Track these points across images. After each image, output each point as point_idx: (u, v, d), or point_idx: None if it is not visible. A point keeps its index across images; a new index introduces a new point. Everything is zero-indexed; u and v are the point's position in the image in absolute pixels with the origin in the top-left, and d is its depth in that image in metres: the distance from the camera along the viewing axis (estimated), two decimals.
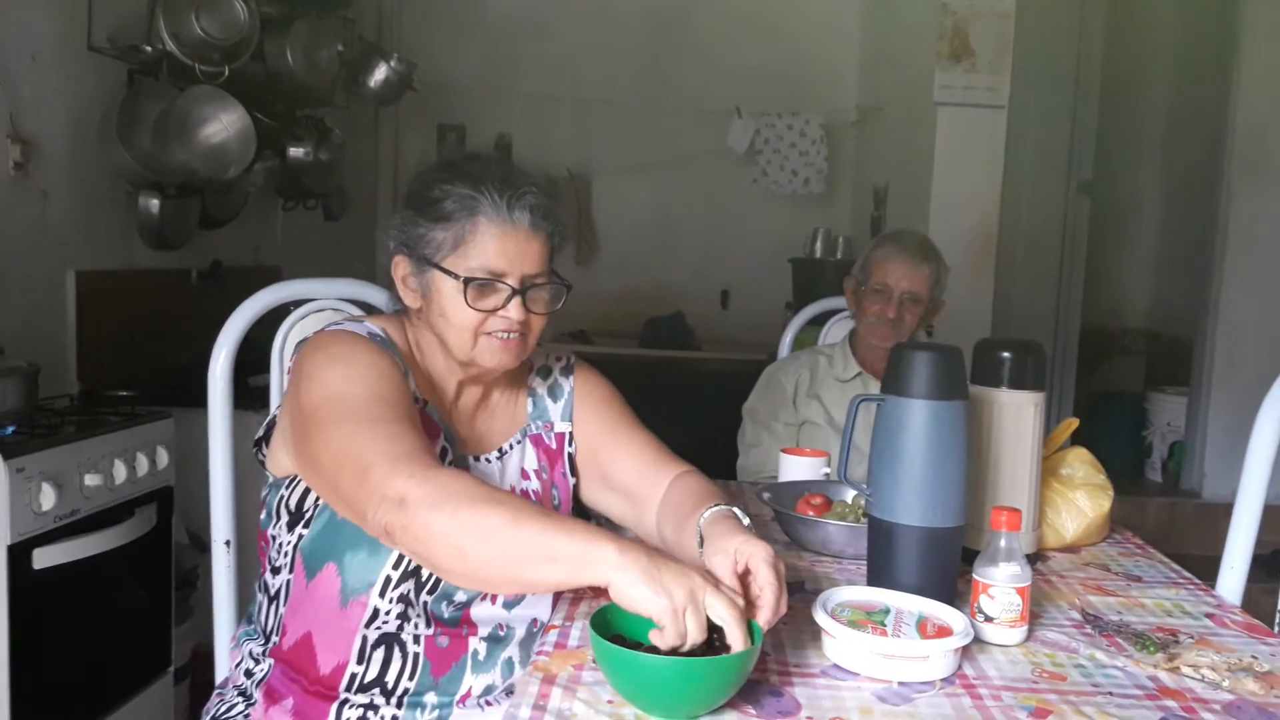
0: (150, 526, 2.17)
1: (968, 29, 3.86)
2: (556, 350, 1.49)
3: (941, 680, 1.12)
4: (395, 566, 1.26)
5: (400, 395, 1.22)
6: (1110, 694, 1.11)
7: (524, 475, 1.39)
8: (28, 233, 2.63)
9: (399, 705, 1.27)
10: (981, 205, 3.98)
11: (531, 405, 1.43)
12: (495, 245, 1.25)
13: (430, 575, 1.27)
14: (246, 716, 1.30)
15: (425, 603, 1.28)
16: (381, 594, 1.26)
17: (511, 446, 1.40)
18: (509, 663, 1.32)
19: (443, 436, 1.31)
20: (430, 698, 1.28)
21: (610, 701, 1.04)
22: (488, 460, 1.38)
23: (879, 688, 1.10)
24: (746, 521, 1.21)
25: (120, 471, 2.09)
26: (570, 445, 1.43)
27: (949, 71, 3.89)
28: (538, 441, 1.42)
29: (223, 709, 1.33)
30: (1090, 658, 1.21)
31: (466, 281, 1.25)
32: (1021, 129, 4.21)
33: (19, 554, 1.83)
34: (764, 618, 1.07)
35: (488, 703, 1.31)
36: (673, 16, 5.20)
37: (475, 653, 1.29)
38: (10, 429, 1.95)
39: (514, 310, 1.26)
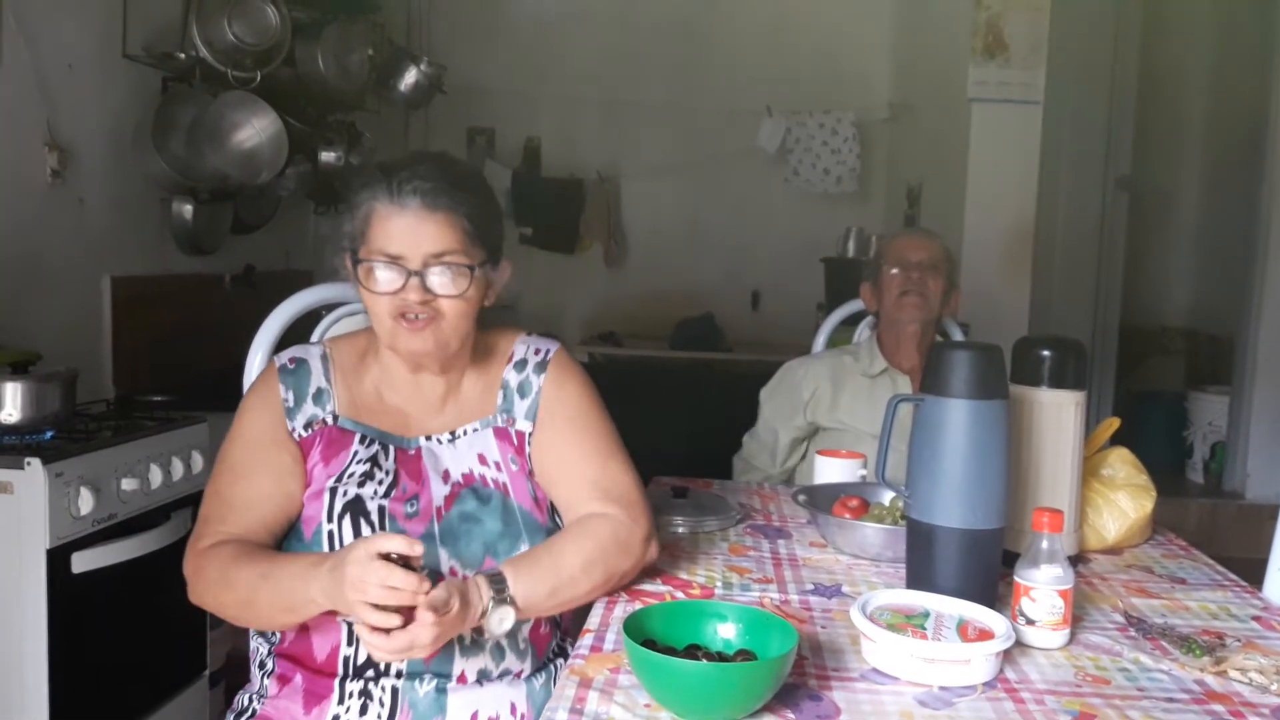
0: (185, 530, 2.18)
1: (1002, 24, 3.81)
2: (539, 343, 1.47)
3: (983, 684, 1.10)
4: None
5: (249, 456, 1.35)
6: (1156, 698, 1.08)
7: (482, 461, 1.38)
8: (65, 239, 2.66)
9: (397, 677, 1.29)
10: (1017, 202, 3.93)
11: (501, 397, 1.42)
12: (386, 228, 1.28)
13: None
14: (262, 700, 1.35)
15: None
16: None
17: (467, 432, 1.40)
18: (498, 648, 1.32)
19: (357, 439, 1.36)
20: (426, 676, 1.30)
21: (647, 705, 1.03)
22: (439, 441, 1.39)
23: (919, 692, 1.08)
24: (498, 592, 1.21)
25: (156, 476, 2.11)
26: (529, 445, 1.41)
27: (983, 67, 3.85)
28: (502, 434, 1.40)
29: (245, 700, 1.39)
30: (1135, 661, 1.19)
31: (356, 263, 1.31)
32: (1057, 124, 4.16)
33: (58, 558, 1.85)
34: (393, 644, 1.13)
35: (482, 683, 1.32)
36: (701, 16, 5.19)
37: (461, 637, 1.28)
38: (49, 434, 1.97)
39: (412, 292, 1.27)
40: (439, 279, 1.28)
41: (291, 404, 1.37)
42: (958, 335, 2.44)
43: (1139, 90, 4.75)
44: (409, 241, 1.27)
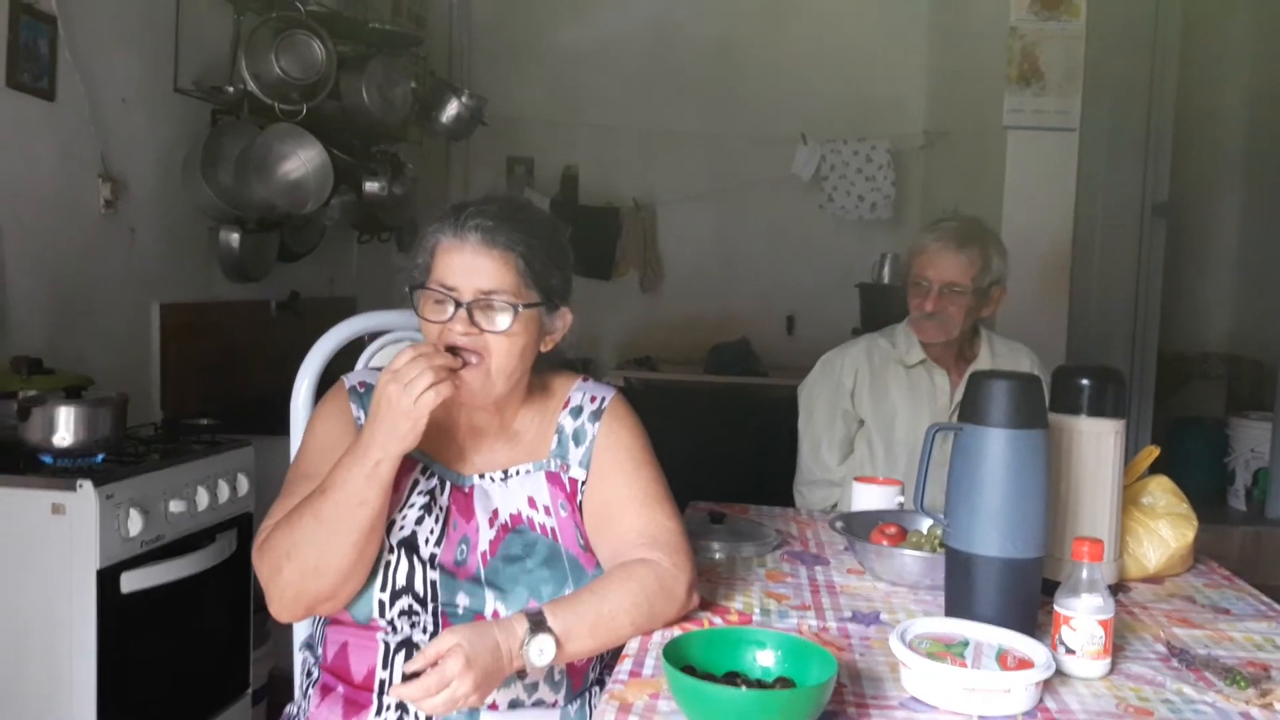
0: (231, 551, 2.23)
1: (1037, 51, 3.81)
2: (596, 390, 1.48)
3: (1023, 714, 1.10)
4: (383, 589, 1.32)
5: (321, 462, 1.34)
6: None
7: (531, 504, 1.39)
8: (116, 267, 2.73)
9: None
10: (1054, 230, 3.91)
11: (556, 442, 1.44)
12: (446, 260, 1.32)
13: (428, 585, 1.32)
14: (303, 710, 1.39)
15: (435, 609, 1.32)
16: (383, 615, 1.32)
17: (520, 473, 1.42)
18: (532, 680, 1.33)
19: (419, 469, 1.39)
20: None
21: None
22: (491, 479, 1.41)
23: None
24: (536, 625, 1.21)
25: (203, 498, 2.15)
26: (581, 493, 1.42)
27: (1018, 94, 3.85)
28: (554, 479, 1.42)
29: (292, 711, 1.43)
30: (1178, 692, 1.18)
31: (412, 289, 1.35)
32: (1094, 151, 4.14)
33: (108, 578, 1.89)
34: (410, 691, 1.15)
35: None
36: (736, 45, 5.23)
37: None
38: (100, 457, 2.02)
39: (459, 323, 1.30)
40: (485, 314, 1.31)
41: (363, 421, 1.38)
42: (983, 338, 2.31)
43: (1176, 117, 4.72)
44: (463, 275, 1.31)
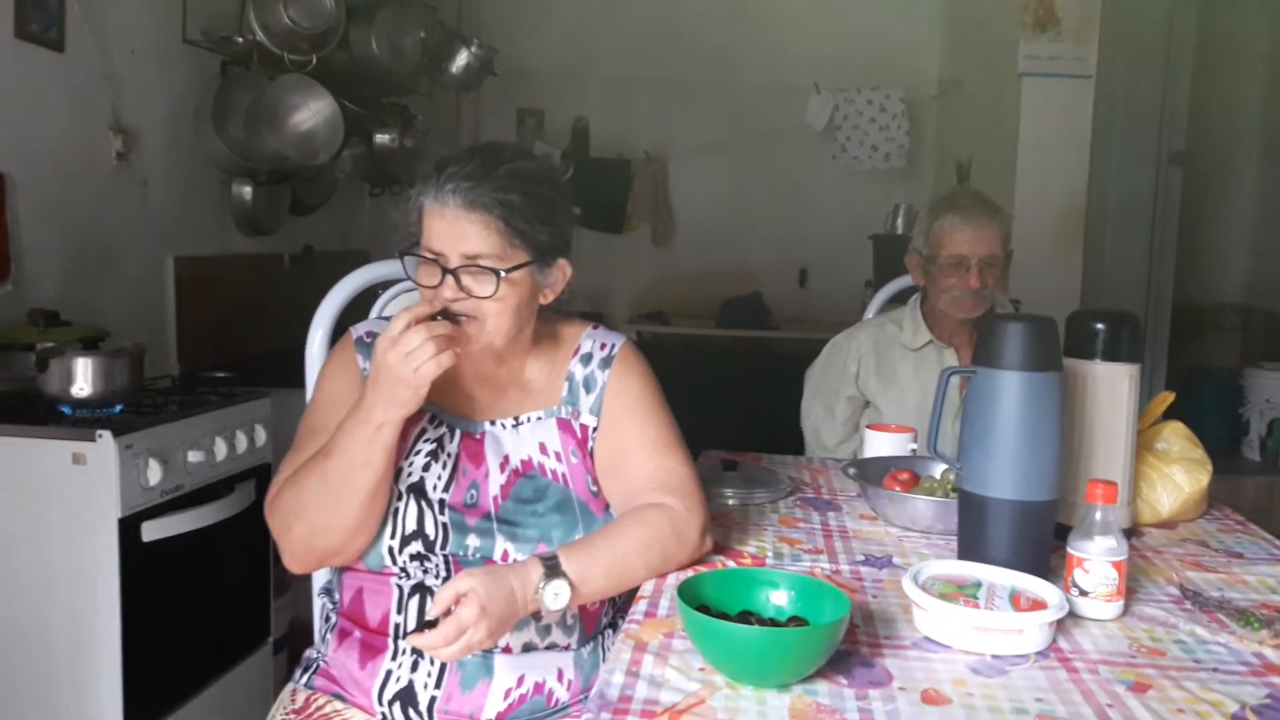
0: (250, 502, 2.25)
1: None
2: (606, 337, 1.48)
3: (1036, 654, 1.11)
4: (392, 536, 1.33)
5: (330, 416, 1.35)
6: (1214, 669, 1.09)
7: (542, 450, 1.40)
8: (130, 220, 2.74)
9: None
10: (1069, 178, 3.88)
11: (566, 389, 1.44)
12: (431, 225, 1.31)
13: (438, 528, 1.33)
14: (323, 656, 1.42)
15: (446, 555, 1.33)
16: (394, 561, 1.34)
17: (530, 419, 1.42)
18: (544, 623, 1.34)
19: (427, 418, 1.39)
20: None
21: (702, 669, 1.06)
22: (502, 426, 1.42)
23: (972, 660, 1.10)
24: (551, 569, 1.23)
25: (221, 449, 2.17)
26: (592, 439, 1.42)
27: (1034, 41, 3.79)
28: (565, 426, 1.42)
29: (311, 655, 1.46)
30: (1190, 633, 1.19)
31: (401, 253, 1.34)
32: (1110, 98, 4.08)
33: (129, 526, 1.91)
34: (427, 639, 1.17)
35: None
36: None
37: None
38: (119, 408, 2.04)
39: (447, 289, 1.29)
40: (471, 279, 1.30)
41: (369, 373, 1.38)
42: (1004, 301, 2.33)
43: (1195, 63, 4.65)
44: (447, 240, 1.29)
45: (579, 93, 5.33)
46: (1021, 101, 3.86)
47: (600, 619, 1.41)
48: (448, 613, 1.17)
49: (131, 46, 2.71)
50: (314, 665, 1.42)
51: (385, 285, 1.76)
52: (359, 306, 1.74)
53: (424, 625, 1.18)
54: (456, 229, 1.28)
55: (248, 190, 3.19)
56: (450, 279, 1.29)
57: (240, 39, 2.98)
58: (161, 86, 2.85)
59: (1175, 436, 1.69)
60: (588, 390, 1.43)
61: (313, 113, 3.07)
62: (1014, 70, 3.85)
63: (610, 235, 5.36)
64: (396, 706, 1.31)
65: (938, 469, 1.68)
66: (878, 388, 2.26)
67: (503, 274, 1.29)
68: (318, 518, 1.29)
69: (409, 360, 1.22)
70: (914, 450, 1.84)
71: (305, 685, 1.41)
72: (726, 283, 5.14)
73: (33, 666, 1.92)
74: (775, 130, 5.19)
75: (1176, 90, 4.61)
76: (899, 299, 2.53)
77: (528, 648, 1.33)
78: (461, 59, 3.96)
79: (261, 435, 2.33)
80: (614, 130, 5.35)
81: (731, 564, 1.39)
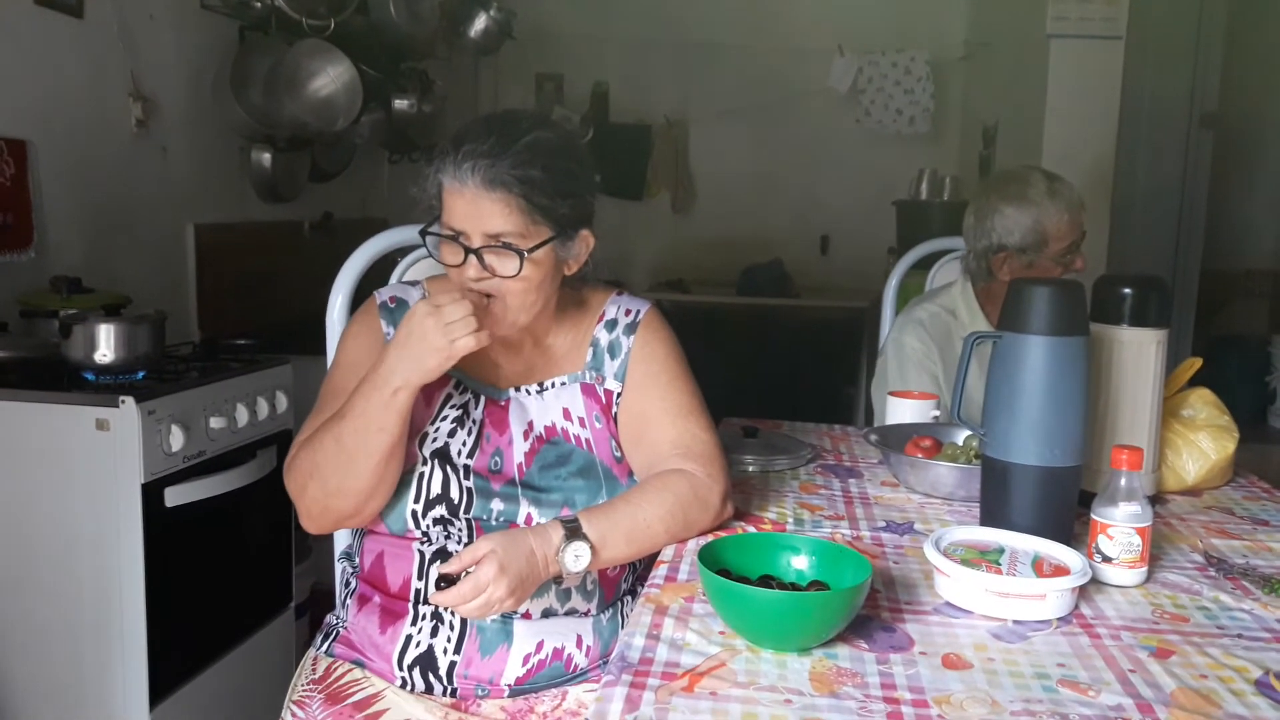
0: (271, 468, 2.26)
1: None
2: (631, 303, 1.47)
3: (1058, 620, 1.11)
4: (416, 500, 1.34)
5: (350, 379, 1.33)
6: (1238, 636, 1.08)
7: (566, 415, 1.40)
8: (150, 187, 2.74)
9: None
10: (1097, 142, 3.81)
11: (591, 354, 1.43)
12: (451, 203, 1.29)
13: (463, 493, 1.33)
14: (343, 621, 1.42)
15: (469, 519, 1.33)
16: (417, 526, 1.34)
17: (555, 385, 1.42)
18: (564, 589, 1.34)
19: (452, 384, 1.39)
20: None
21: (722, 633, 1.05)
22: (527, 392, 1.41)
23: (994, 625, 1.09)
24: (571, 531, 1.23)
25: (242, 415, 2.18)
26: (616, 405, 1.42)
27: (1062, 1, 3.72)
28: (589, 391, 1.42)
29: (331, 620, 1.47)
30: (1215, 600, 1.18)
31: (423, 234, 1.32)
32: (1140, 60, 4.00)
33: (152, 492, 1.93)
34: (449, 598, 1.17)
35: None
36: None
37: None
38: (141, 374, 2.05)
39: (470, 269, 1.28)
40: (494, 258, 1.28)
41: (392, 337, 1.37)
42: None
43: (1228, 23, 4.55)
44: (469, 220, 1.27)
45: (598, 57, 5.27)
46: (1049, 63, 3.79)
47: (620, 585, 1.41)
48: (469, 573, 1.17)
49: (150, 12, 2.70)
50: (334, 631, 1.43)
51: (404, 251, 1.76)
52: (378, 272, 1.73)
53: (440, 583, 1.18)
54: (477, 208, 1.27)
55: (267, 157, 3.18)
56: (474, 259, 1.28)
57: (258, 3, 2.96)
58: (180, 52, 2.84)
59: (1202, 403, 1.67)
60: (612, 356, 1.43)
61: (331, 78, 3.06)
62: (1042, 31, 3.78)
63: (630, 202, 5.32)
64: (416, 671, 1.32)
65: (960, 435, 1.66)
66: (944, 372, 2.13)
67: (526, 254, 1.28)
68: (332, 480, 1.29)
69: (448, 330, 1.22)
70: (937, 417, 1.82)
71: (326, 652, 1.42)
72: (747, 250, 5.10)
73: (57, 631, 1.95)
74: (797, 94, 5.12)
75: (1209, 50, 4.52)
76: (923, 266, 2.49)
77: (547, 613, 1.33)
78: (480, 22, 3.94)
79: (283, 401, 2.34)
80: (633, 95, 5.31)
81: (752, 530, 1.39)
